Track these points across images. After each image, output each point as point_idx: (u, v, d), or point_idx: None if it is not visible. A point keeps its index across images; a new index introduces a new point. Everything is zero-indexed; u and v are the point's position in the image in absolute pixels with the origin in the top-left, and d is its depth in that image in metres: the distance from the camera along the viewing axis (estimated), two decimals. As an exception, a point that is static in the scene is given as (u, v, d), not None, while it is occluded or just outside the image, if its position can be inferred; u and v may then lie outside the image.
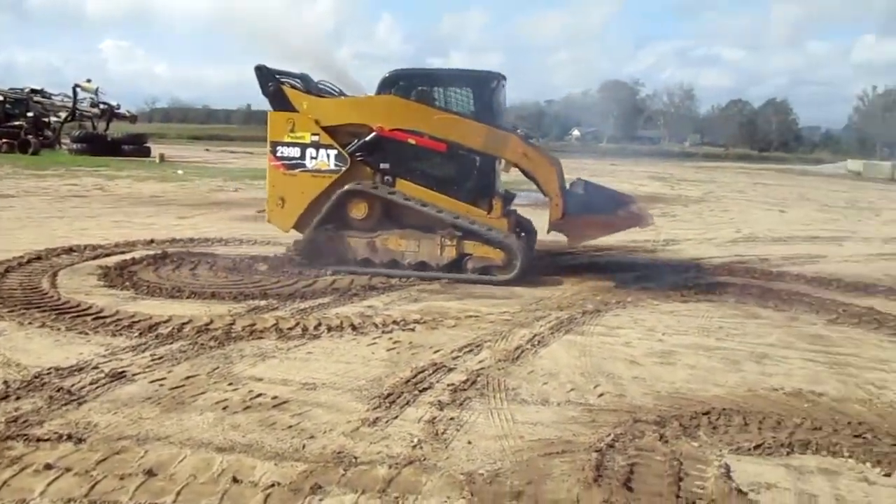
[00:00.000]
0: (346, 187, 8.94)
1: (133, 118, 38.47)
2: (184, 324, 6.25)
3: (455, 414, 4.62)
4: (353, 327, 6.50)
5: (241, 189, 20.05)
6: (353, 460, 3.89)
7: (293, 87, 9.28)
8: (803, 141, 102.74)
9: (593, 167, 42.03)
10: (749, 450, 4.23)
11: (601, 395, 5.07)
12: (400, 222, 9.16)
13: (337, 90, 9.68)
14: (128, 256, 9.22)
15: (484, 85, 9.27)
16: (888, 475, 4.04)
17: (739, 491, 3.73)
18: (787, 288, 9.07)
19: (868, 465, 4.15)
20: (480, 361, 5.68)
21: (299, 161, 9.03)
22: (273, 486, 3.56)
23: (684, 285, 8.97)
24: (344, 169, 8.97)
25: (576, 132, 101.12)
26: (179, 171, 25.27)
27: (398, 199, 9.00)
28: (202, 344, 5.78)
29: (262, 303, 7.28)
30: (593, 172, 35.75)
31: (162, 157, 31.14)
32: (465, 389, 5.05)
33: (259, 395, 4.78)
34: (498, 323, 6.87)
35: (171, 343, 5.79)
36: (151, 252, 9.52)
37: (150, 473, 3.62)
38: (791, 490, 3.79)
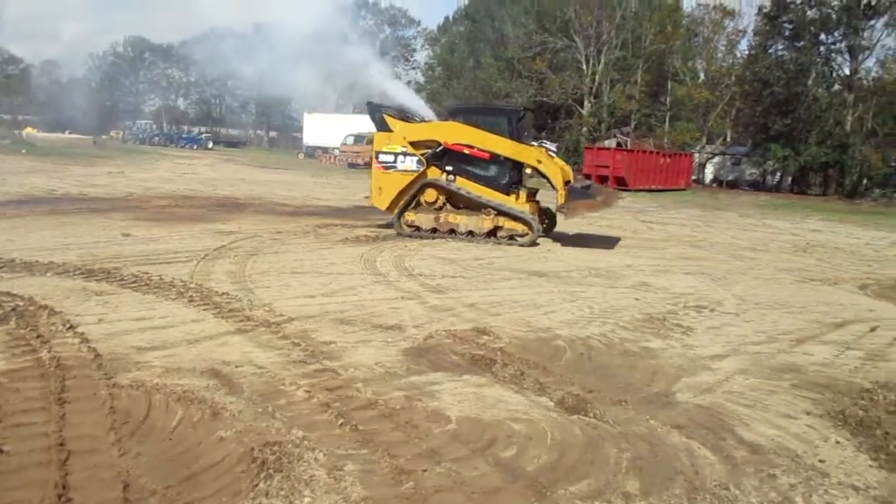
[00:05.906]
0: (426, 180, 14.04)
1: None
2: None
3: None
4: None
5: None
6: None
7: (391, 115, 14.50)
8: None
9: None
10: None
11: None
12: (456, 205, 14.12)
13: (400, 115, 14.84)
14: None
15: (512, 115, 14.76)
16: None
17: None
18: None
19: None
20: None
21: (392, 164, 14.10)
22: None
23: None
24: (422, 169, 14.04)
25: None
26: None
27: (455, 189, 14.04)
28: None
29: None
30: None
31: None
32: None
33: None
34: None
35: None
36: None
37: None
38: None
